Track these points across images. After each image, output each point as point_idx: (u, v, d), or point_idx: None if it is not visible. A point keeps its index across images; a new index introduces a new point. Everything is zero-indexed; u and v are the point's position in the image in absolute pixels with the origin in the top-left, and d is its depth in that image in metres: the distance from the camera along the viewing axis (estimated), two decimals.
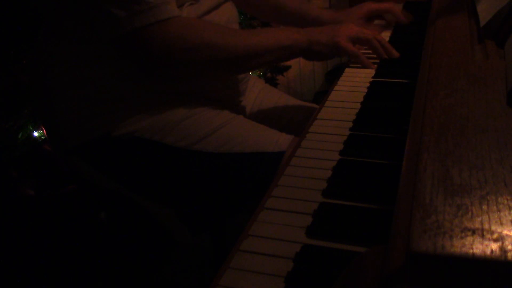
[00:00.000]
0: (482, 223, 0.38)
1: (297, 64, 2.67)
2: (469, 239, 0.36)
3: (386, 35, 1.21)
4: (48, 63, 0.92)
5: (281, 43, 0.92)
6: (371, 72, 1.00)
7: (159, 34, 0.82)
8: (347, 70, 1.03)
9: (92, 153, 0.92)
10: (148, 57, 0.86)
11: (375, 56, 1.03)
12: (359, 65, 1.04)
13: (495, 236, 0.36)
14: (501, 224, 0.37)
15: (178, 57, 0.85)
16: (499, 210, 0.39)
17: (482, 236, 0.36)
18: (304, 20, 1.19)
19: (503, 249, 0.35)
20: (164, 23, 0.82)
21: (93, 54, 0.88)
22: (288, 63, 2.44)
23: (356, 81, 0.97)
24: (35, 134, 1.46)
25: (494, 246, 0.36)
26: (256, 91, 1.18)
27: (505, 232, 0.37)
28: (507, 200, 0.40)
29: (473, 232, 0.37)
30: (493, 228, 0.37)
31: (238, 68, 0.95)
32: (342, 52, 0.96)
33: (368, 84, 0.94)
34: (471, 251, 0.35)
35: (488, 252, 0.35)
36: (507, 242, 0.36)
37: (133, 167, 0.92)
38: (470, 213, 0.39)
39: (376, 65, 1.02)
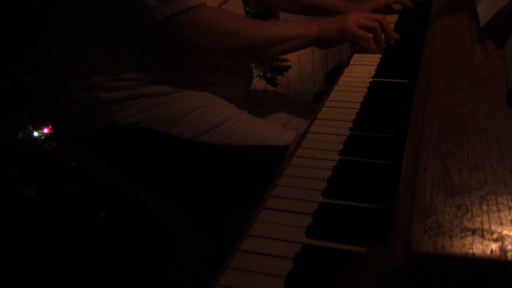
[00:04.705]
0: (482, 223, 0.38)
1: (297, 64, 2.67)
2: (469, 239, 0.36)
3: None
4: (55, 53, 0.93)
5: (297, 32, 0.98)
6: (371, 72, 1.00)
7: (190, 21, 0.85)
8: (347, 70, 1.03)
9: (97, 143, 0.92)
10: (179, 45, 0.89)
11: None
12: (359, 64, 1.04)
13: (495, 236, 0.36)
14: (501, 224, 0.37)
15: (207, 44, 0.89)
16: (499, 210, 0.39)
17: (482, 236, 0.36)
18: (319, 9, 1.32)
19: (503, 249, 0.35)
20: (193, 11, 0.85)
21: (102, 44, 0.89)
22: (288, 63, 2.44)
23: (356, 81, 0.97)
24: (35, 134, 1.46)
25: (494, 246, 0.36)
26: (257, 91, 1.19)
27: (505, 232, 0.37)
28: (507, 200, 0.40)
29: (473, 232, 0.37)
30: (493, 228, 0.37)
31: (259, 56, 1.04)
32: (351, 36, 1.03)
33: (368, 84, 0.94)
34: (471, 251, 0.35)
35: (488, 252, 0.35)
36: (507, 242, 0.36)
37: (138, 158, 0.92)
38: (470, 213, 0.39)
39: (382, 51, 1.09)
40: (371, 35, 1.06)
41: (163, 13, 0.83)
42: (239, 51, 0.93)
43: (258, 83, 1.22)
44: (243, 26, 0.91)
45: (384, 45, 1.10)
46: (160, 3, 0.82)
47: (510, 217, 0.38)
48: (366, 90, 0.92)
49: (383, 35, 1.08)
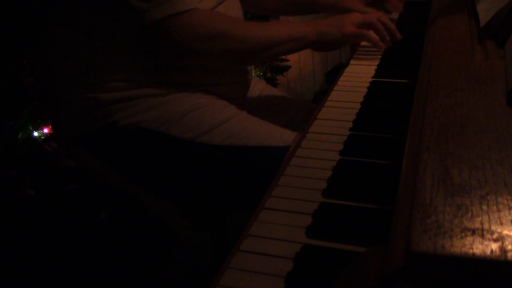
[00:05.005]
0: (482, 223, 0.38)
1: (297, 64, 2.67)
2: (469, 239, 0.36)
3: None
4: (55, 53, 0.93)
5: (291, 35, 0.95)
6: (371, 72, 1.00)
7: (177, 26, 0.85)
8: (347, 70, 1.03)
9: (97, 143, 0.92)
10: (167, 48, 0.88)
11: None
12: (359, 64, 1.04)
13: (495, 236, 0.36)
14: (501, 224, 0.37)
15: (194, 47, 0.88)
16: (499, 210, 0.39)
17: (482, 236, 0.36)
18: (309, 7, 1.26)
19: (503, 249, 0.35)
20: (182, 15, 0.85)
21: (101, 44, 0.89)
22: (288, 63, 2.44)
23: (356, 81, 0.97)
24: (35, 134, 1.46)
25: (494, 246, 0.36)
26: (257, 91, 1.18)
27: (505, 232, 0.37)
28: (507, 200, 0.40)
29: (473, 232, 0.37)
30: (493, 228, 0.37)
31: (251, 59, 1.01)
32: (350, 38, 1.00)
33: (368, 84, 0.94)
34: (471, 251, 0.35)
35: (488, 252, 0.35)
36: (507, 242, 0.36)
37: (138, 158, 0.92)
38: (470, 213, 0.39)
39: (386, 45, 1.06)
40: (371, 31, 1.04)
41: (153, 16, 0.83)
42: (229, 55, 0.92)
43: (258, 83, 1.22)
44: (233, 29, 0.90)
45: (388, 38, 1.07)
46: (150, 6, 0.82)
47: (510, 217, 0.38)
48: (366, 90, 0.92)
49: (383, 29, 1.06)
